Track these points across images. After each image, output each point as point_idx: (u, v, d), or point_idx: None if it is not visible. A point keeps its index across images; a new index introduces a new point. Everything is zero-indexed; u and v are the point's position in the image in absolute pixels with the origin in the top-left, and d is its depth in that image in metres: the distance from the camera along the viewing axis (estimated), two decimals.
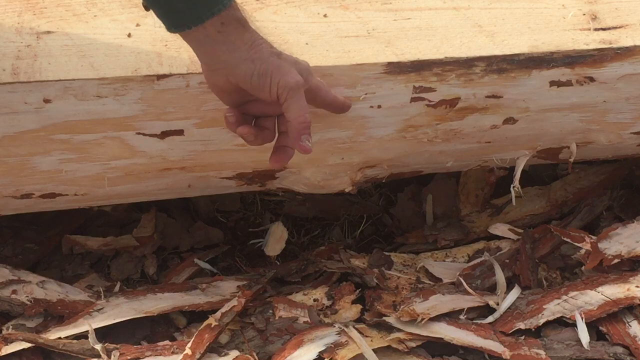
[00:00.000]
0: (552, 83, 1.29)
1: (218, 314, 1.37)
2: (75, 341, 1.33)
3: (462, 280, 1.45)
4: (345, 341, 1.34)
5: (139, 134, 1.22)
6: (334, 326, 1.37)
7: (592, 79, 1.29)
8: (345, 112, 1.22)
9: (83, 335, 1.33)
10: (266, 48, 1.07)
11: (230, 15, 1.03)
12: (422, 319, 1.35)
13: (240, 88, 1.09)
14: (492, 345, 1.34)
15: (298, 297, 1.45)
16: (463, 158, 1.42)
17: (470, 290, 1.43)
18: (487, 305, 1.42)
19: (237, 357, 1.32)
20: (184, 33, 1.04)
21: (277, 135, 1.15)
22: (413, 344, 1.35)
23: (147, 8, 1.10)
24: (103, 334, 1.34)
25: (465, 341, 1.35)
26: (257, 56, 1.05)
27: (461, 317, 1.40)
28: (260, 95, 1.08)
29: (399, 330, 1.36)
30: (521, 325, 1.38)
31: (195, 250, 1.60)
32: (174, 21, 1.04)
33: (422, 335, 1.35)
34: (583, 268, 1.49)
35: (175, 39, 1.18)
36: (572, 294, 1.42)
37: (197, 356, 1.30)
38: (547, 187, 1.66)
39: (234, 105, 1.13)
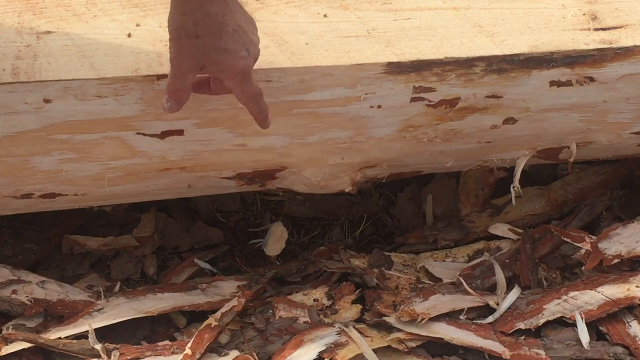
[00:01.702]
0: (552, 83, 1.29)
1: (218, 314, 1.36)
2: (75, 341, 1.33)
3: (462, 280, 1.45)
4: (345, 341, 1.33)
5: (139, 134, 1.22)
6: (334, 326, 1.36)
7: (592, 79, 1.29)
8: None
9: (83, 335, 1.33)
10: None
11: None
12: (422, 319, 1.35)
13: None
14: (492, 345, 1.34)
15: (298, 297, 1.45)
16: (463, 158, 1.42)
17: (470, 290, 1.43)
18: (487, 305, 1.42)
19: (237, 357, 1.32)
20: None
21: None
22: (413, 344, 1.35)
23: None
24: (103, 334, 1.34)
25: (465, 341, 1.35)
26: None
27: (461, 317, 1.40)
28: None
29: (399, 330, 1.36)
30: (521, 325, 1.38)
31: (195, 250, 1.60)
32: None
33: (422, 335, 1.35)
34: (583, 268, 1.49)
35: None
36: (572, 294, 1.42)
37: (197, 356, 1.30)
38: (547, 187, 1.66)
39: None
